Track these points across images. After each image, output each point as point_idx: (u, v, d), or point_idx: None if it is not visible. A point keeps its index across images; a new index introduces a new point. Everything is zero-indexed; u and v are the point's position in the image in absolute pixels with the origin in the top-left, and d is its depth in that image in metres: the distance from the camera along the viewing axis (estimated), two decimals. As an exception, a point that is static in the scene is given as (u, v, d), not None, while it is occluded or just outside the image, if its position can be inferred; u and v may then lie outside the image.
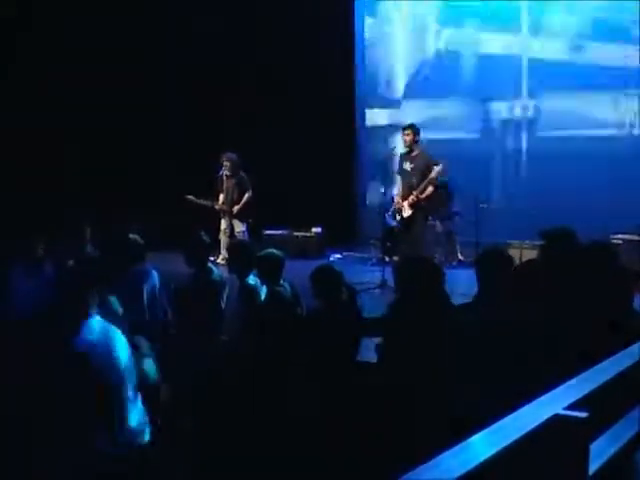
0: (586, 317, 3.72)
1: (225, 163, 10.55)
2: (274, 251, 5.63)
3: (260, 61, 12.47)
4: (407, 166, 8.99)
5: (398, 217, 9.03)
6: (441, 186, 10.95)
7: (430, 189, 8.91)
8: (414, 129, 9.07)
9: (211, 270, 5.91)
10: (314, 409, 4.12)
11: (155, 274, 5.92)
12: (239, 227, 10.58)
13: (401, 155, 9.26)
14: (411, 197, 8.85)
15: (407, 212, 8.90)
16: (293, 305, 5.40)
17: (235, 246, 6.78)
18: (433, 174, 8.86)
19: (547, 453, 1.94)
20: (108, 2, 12.06)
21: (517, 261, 8.52)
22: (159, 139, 12.25)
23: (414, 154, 8.99)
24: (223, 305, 5.84)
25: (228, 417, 4.33)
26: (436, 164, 8.98)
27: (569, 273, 4.23)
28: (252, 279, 5.60)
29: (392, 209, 9.14)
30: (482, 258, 4.68)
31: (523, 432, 1.84)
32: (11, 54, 11.62)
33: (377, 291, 8.65)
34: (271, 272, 5.46)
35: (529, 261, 5.87)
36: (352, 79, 13.37)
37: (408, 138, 8.98)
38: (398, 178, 9.22)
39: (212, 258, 9.86)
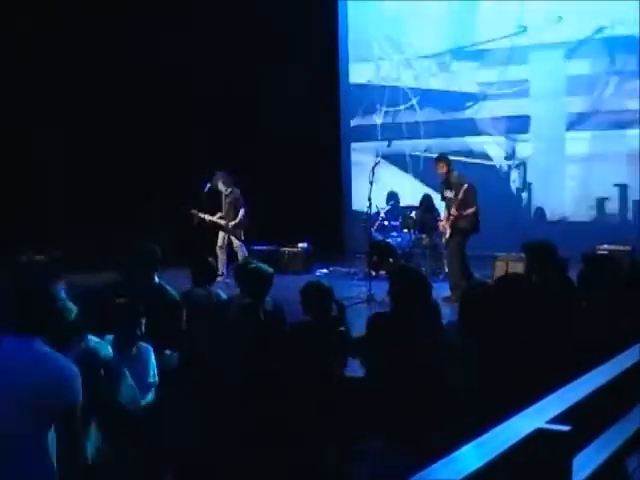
0: (568, 330, 3.74)
1: (219, 184, 10.65)
2: (263, 266, 5.55)
3: (250, 80, 12.55)
4: (448, 194, 9.38)
5: (444, 240, 9.58)
6: (425, 200, 11.11)
7: (469, 210, 9.17)
8: (446, 160, 9.45)
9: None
10: (300, 424, 4.12)
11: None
12: (237, 242, 10.70)
13: (441, 184, 9.65)
14: (448, 220, 9.26)
15: (448, 233, 9.30)
16: (278, 321, 5.36)
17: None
18: (460, 196, 9.09)
19: (530, 467, 1.94)
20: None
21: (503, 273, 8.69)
22: (157, 157, 12.24)
23: (451, 181, 9.34)
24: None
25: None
26: (464, 185, 9.18)
27: (549, 284, 4.26)
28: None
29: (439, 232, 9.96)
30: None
31: (505, 447, 1.84)
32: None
33: (364, 305, 8.66)
34: (259, 288, 5.40)
35: (514, 274, 5.89)
36: (337, 92, 13.46)
37: (442, 170, 9.37)
38: (442, 204, 9.79)
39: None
